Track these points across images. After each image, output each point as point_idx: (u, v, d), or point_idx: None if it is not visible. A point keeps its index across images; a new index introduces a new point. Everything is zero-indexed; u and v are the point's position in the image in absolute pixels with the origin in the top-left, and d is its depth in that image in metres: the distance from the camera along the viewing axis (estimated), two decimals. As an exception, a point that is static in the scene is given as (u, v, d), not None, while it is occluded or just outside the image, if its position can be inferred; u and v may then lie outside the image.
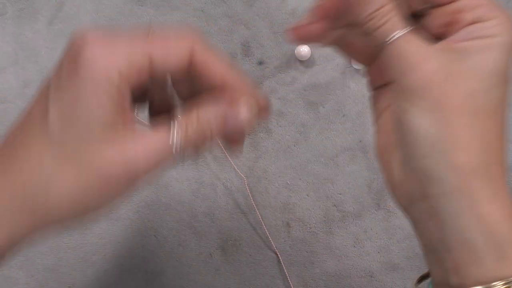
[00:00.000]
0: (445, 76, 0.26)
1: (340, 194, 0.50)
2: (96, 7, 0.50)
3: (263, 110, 0.30)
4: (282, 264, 0.50)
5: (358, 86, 0.50)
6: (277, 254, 0.50)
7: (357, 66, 0.49)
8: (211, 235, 0.51)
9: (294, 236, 0.50)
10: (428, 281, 0.30)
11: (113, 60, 0.25)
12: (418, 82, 0.26)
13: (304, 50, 0.49)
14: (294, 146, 0.50)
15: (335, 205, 0.50)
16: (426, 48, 0.27)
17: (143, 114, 0.31)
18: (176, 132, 0.27)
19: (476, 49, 0.26)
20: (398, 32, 0.27)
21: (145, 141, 0.26)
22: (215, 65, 0.28)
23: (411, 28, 0.27)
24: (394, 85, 0.27)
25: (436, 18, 0.28)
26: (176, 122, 0.27)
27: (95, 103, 0.25)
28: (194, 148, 0.28)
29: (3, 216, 0.25)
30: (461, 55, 0.26)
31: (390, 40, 0.27)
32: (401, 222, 0.50)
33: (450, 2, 0.27)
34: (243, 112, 0.28)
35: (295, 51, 0.49)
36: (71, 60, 0.26)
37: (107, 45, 0.26)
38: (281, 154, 0.50)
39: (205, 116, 0.28)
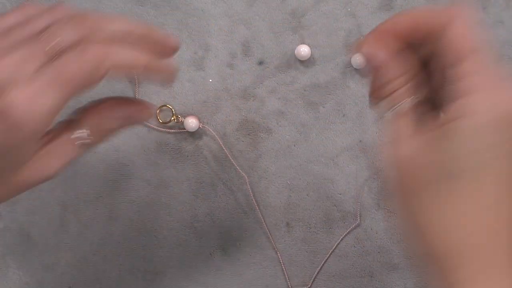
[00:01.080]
0: (411, 161, 0.27)
1: (340, 194, 0.50)
2: (96, 7, 0.50)
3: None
4: (282, 264, 0.50)
5: (358, 86, 0.50)
6: (277, 254, 0.50)
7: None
8: (212, 235, 0.51)
9: (294, 236, 0.51)
10: None
11: (36, 106, 0.27)
12: (395, 165, 0.28)
13: (304, 50, 0.49)
14: (294, 146, 0.50)
15: (335, 205, 0.50)
16: (411, 129, 0.28)
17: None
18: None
19: (452, 131, 0.26)
20: (399, 104, 0.28)
21: (56, 150, 0.30)
22: None
23: (414, 101, 0.28)
24: None
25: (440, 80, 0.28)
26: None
27: (16, 152, 0.28)
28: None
29: None
30: (440, 138, 0.27)
31: (391, 111, 0.28)
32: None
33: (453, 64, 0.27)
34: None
35: (295, 51, 0.49)
36: None
37: (32, 92, 0.27)
38: (281, 154, 0.50)
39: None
